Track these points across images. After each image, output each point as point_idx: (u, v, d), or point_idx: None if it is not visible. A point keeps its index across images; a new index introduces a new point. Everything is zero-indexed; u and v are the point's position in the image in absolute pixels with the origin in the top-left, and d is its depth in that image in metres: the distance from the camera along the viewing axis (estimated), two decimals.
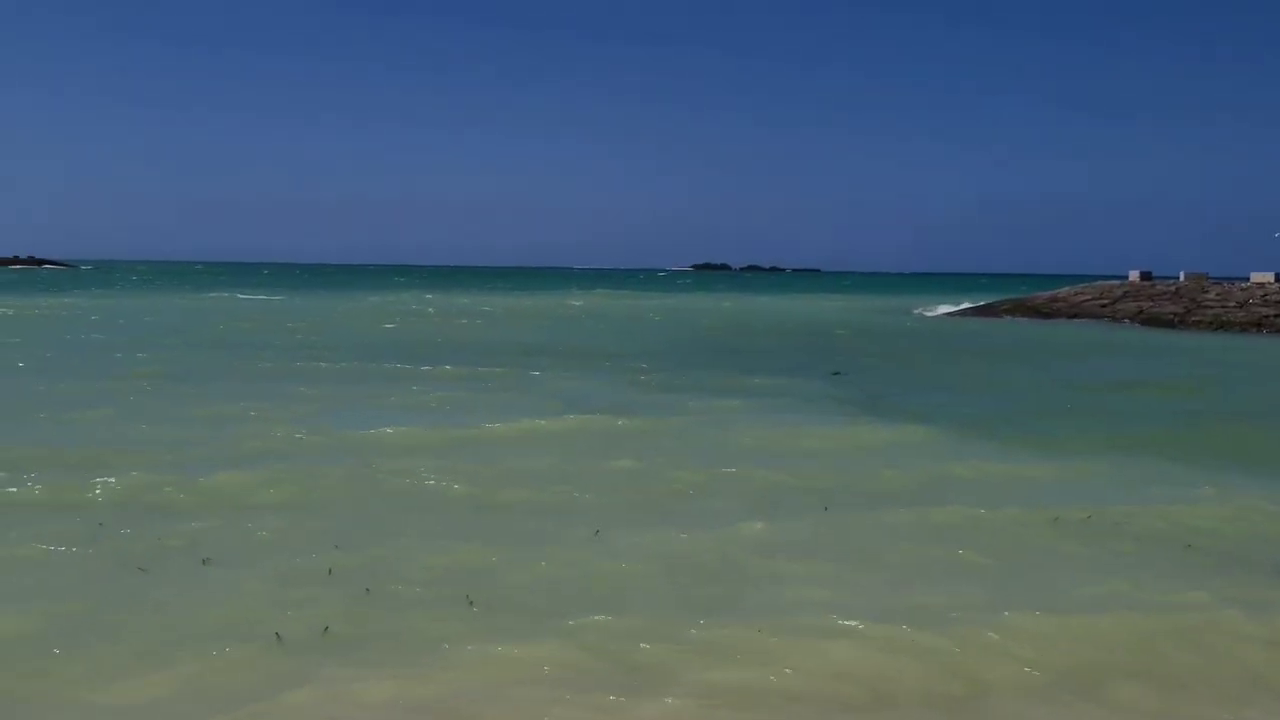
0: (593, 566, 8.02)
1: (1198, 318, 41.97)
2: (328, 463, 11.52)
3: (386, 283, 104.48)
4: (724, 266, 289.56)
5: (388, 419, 14.36)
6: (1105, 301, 47.05)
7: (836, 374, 22.65)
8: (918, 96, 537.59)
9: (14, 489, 10.03)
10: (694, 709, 5.61)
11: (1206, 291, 44.93)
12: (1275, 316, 40.05)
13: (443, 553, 8.26)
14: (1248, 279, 46.69)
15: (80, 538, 8.51)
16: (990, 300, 57.00)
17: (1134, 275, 51.04)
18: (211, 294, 66.71)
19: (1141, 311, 44.39)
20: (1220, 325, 40.68)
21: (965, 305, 56.56)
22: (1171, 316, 42.84)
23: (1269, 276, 46.27)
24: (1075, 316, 46.22)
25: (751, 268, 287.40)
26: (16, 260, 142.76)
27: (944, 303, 62.15)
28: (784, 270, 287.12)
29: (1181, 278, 48.74)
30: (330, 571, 7.71)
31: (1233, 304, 42.55)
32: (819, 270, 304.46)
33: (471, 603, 7.13)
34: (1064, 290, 51.32)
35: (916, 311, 56.94)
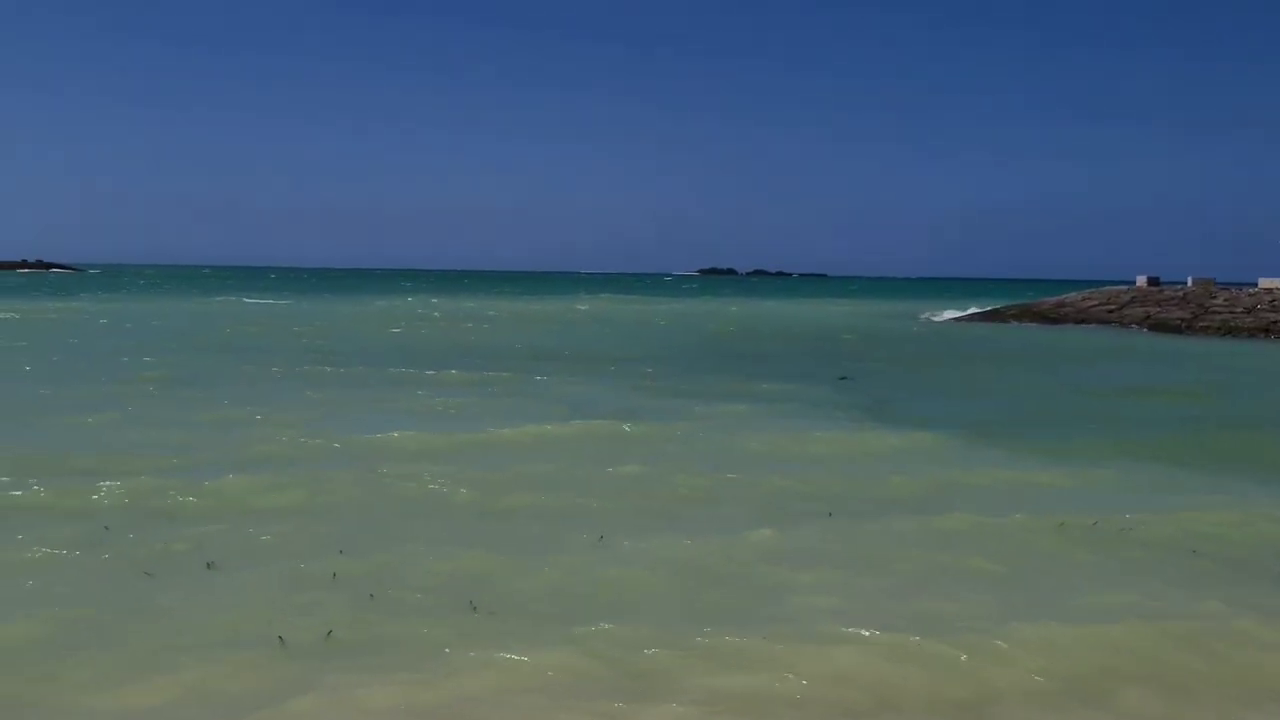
0: (598, 572, 8.01)
1: (1205, 323, 41.86)
2: (333, 467, 11.53)
3: (393, 287, 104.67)
4: (730, 271, 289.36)
5: (393, 424, 14.36)
6: (1112, 307, 46.95)
7: (843, 379, 22.63)
8: (925, 101, 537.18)
9: (20, 493, 10.05)
10: (699, 716, 5.59)
11: (1214, 297, 44.81)
12: None
13: (447, 558, 8.25)
14: (1255, 284, 46.52)
15: (86, 542, 8.52)
16: (997, 305, 56.92)
17: (1141, 280, 50.89)
18: (218, 298, 66.92)
19: (1149, 317, 44.28)
20: (1228, 331, 40.57)
21: (972, 310, 56.42)
22: (1179, 322, 42.73)
23: (1277, 282, 46.07)
24: (1082, 322, 46.13)
25: (758, 272, 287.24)
26: (24, 264, 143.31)
27: (951, 308, 61.99)
28: (790, 275, 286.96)
29: (1189, 283, 48.57)
30: (335, 576, 7.71)
31: (1240, 309, 42.44)
32: (825, 275, 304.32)
33: (475, 608, 7.12)
34: (1071, 295, 51.20)
35: (923, 317, 56.86)
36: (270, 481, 10.68)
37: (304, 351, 27.29)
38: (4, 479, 10.52)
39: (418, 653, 6.35)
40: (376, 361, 24.34)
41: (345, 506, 9.98)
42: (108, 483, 10.36)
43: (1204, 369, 27.30)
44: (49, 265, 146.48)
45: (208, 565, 8.00)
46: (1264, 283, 46.13)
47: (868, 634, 6.61)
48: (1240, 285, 47.58)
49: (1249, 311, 41.93)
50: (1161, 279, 51.00)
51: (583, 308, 64.54)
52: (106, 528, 8.96)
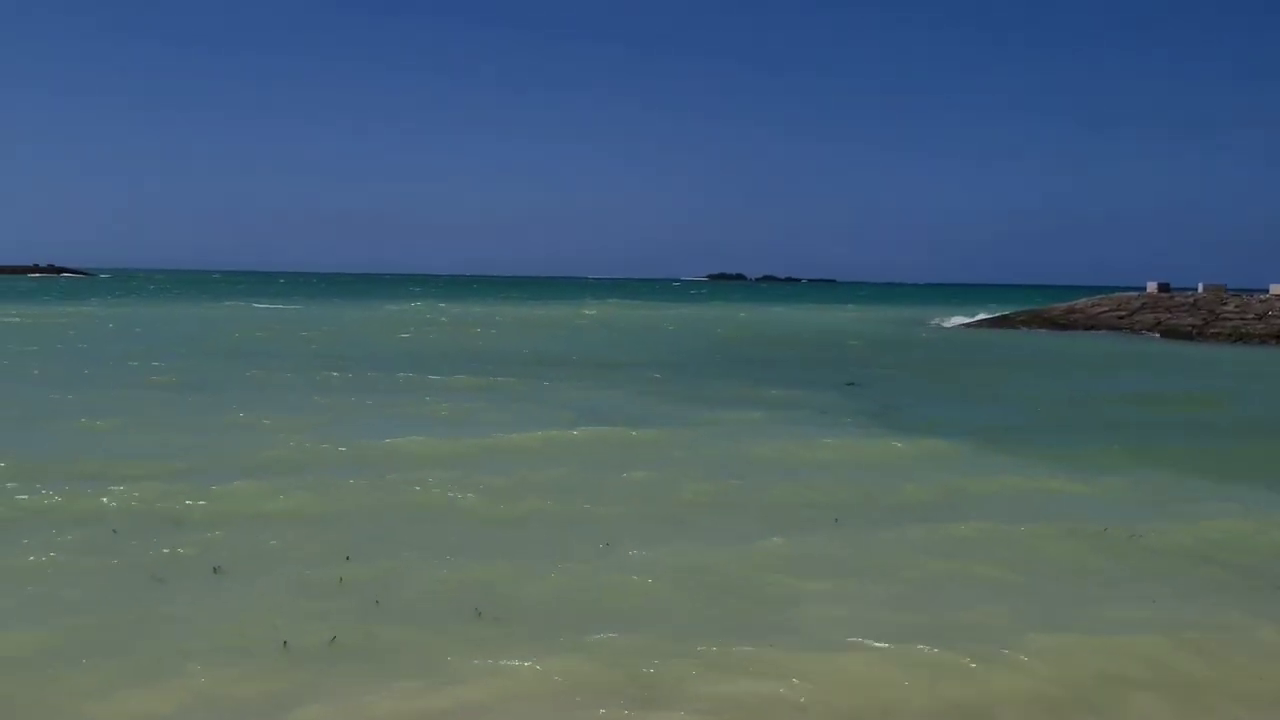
0: (604, 579, 7.98)
1: (1216, 329, 41.68)
2: (341, 473, 11.53)
3: (402, 292, 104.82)
4: (739, 276, 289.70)
5: (401, 429, 14.35)
6: (1123, 313, 46.78)
7: (851, 385, 22.56)
8: (934, 108, 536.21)
9: (28, 497, 10.07)
10: None
11: (1225, 303, 44.61)
12: None
13: (454, 564, 8.24)
14: (1266, 290, 46.30)
15: (94, 547, 8.53)
16: (1006, 311, 56.72)
17: (1152, 286, 50.70)
18: (228, 303, 67.09)
19: (1159, 323, 44.11)
20: (1239, 337, 40.38)
21: (981, 316, 56.23)
22: (1190, 328, 42.55)
23: None
24: (1092, 328, 45.95)
25: (767, 278, 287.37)
26: (35, 268, 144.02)
27: (959, 314, 61.82)
28: (799, 280, 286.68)
29: (1200, 289, 48.37)
30: (341, 581, 7.70)
31: (1251, 316, 42.25)
32: (834, 281, 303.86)
33: (481, 615, 7.10)
34: (1081, 301, 51.03)
35: (932, 322, 56.73)
36: (278, 487, 10.68)
37: (312, 357, 27.33)
38: (13, 483, 10.55)
39: (423, 659, 6.33)
40: (385, 367, 24.35)
41: (353, 512, 9.97)
42: (116, 487, 10.38)
43: (1215, 376, 27.17)
44: (60, 270, 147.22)
45: (215, 570, 7.99)
46: (1275, 289, 45.90)
47: (876, 642, 6.57)
48: (1252, 291, 47.40)
49: (1260, 318, 41.74)
50: (1172, 285, 50.81)
51: (590, 313, 64.52)
52: (114, 532, 8.97)
